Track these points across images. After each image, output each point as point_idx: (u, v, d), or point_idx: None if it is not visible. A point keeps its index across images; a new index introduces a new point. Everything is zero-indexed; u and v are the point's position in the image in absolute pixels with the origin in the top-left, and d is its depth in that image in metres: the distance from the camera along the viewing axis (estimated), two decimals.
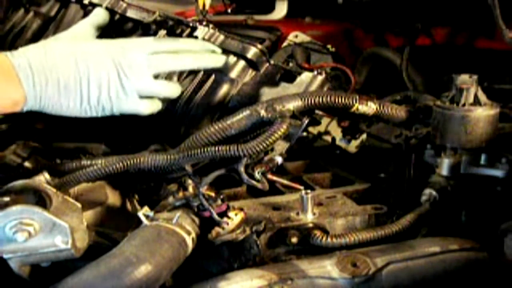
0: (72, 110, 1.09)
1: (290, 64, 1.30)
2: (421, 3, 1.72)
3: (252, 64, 1.23)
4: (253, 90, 1.20)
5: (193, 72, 1.25)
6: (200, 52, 1.18)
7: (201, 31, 1.26)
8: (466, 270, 0.96)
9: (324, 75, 1.16)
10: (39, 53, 1.06)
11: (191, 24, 1.29)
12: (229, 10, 2.18)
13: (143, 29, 1.36)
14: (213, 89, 1.22)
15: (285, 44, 1.92)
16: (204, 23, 1.28)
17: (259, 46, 1.24)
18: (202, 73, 1.24)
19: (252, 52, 1.22)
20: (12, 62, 1.04)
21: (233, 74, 1.22)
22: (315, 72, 1.17)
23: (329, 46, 1.90)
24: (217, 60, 1.19)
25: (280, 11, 2.15)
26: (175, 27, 1.31)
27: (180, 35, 1.29)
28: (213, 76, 1.23)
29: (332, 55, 1.91)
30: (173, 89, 1.16)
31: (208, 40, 1.24)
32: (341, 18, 2.05)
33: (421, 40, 1.79)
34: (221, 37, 1.25)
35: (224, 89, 1.22)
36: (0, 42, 1.54)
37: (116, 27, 1.38)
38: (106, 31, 1.32)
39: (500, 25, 1.28)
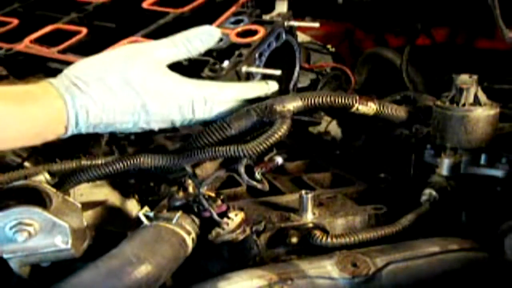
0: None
1: None
2: (421, 3, 1.72)
3: None
4: None
5: None
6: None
7: None
8: (466, 270, 0.96)
9: None
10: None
11: None
12: None
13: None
14: None
15: None
16: None
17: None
18: None
19: None
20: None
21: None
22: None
23: (329, 46, 1.90)
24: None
25: (280, 11, 2.15)
26: None
27: None
28: None
29: (332, 55, 1.91)
30: None
31: None
32: (341, 18, 2.05)
33: (421, 40, 1.79)
34: None
35: None
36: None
37: None
38: None
39: (500, 25, 1.28)
